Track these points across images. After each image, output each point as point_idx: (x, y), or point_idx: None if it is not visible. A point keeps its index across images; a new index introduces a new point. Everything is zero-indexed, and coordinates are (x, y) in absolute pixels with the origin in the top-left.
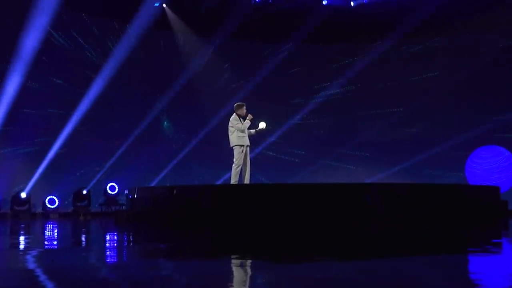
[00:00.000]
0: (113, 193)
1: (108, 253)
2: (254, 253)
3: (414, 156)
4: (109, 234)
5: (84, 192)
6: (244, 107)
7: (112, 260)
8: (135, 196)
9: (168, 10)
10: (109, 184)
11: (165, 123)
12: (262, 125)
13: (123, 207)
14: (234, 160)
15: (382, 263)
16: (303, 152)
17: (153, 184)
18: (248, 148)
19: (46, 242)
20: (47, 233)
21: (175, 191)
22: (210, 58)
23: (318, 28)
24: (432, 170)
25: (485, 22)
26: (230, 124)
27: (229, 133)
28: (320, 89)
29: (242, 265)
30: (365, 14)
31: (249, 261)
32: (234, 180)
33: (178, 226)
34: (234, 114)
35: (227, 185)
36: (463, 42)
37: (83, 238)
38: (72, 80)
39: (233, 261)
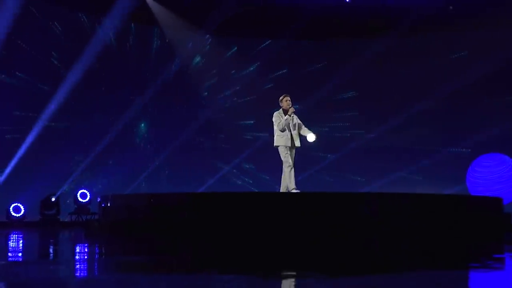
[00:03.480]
0: (84, 201)
1: (78, 266)
2: (239, 268)
3: (411, 163)
4: (79, 246)
5: (53, 199)
6: (287, 99)
7: (82, 274)
8: (108, 205)
9: (151, 2)
10: (80, 191)
11: (142, 125)
12: (310, 138)
13: (95, 216)
14: (283, 162)
15: (379, 280)
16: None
17: (128, 191)
18: (292, 150)
19: (10, 254)
20: (12, 244)
21: (152, 200)
22: (195, 55)
23: (311, 24)
24: (431, 179)
25: (495, 19)
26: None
27: (274, 131)
28: (311, 90)
29: (225, 281)
30: (361, 10)
31: (234, 276)
32: (292, 185)
33: (155, 238)
34: (280, 108)
35: (209, 193)
36: (468, 40)
37: (51, 250)
38: (40, 78)
39: (215, 276)
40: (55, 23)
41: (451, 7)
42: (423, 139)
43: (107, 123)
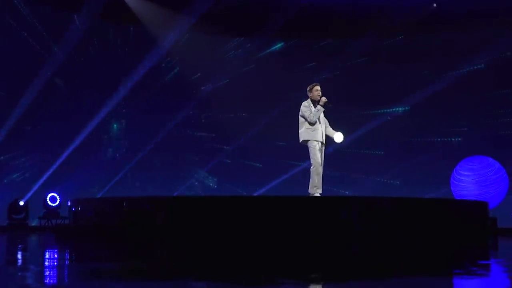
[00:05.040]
0: (53, 205)
1: (47, 273)
2: (215, 275)
3: (393, 166)
4: (48, 251)
5: (21, 203)
6: (317, 88)
7: (51, 281)
8: (79, 209)
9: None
10: (50, 195)
11: (115, 126)
12: (338, 138)
13: (65, 220)
14: (310, 160)
15: (361, 287)
16: (269, 161)
17: (99, 195)
18: (323, 147)
19: None
20: None
21: (124, 204)
22: (170, 52)
23: (294, 22)
24: (414, 182)
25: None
26: (300, 113)
27: (299, 125)
28: (292, 91)
29: None
30: (345, 7)
31: (209, 283)
32: (318, 185)
33: (128, 244)
34: (308, 98)
35: (183, 197)
36: (457, 40)
37: (19, 256)
38: (7, 76)
39: (190, 283)
40: (26, 19)
41: (434, 5)
42: (408, 139)
43: (77, 124)
